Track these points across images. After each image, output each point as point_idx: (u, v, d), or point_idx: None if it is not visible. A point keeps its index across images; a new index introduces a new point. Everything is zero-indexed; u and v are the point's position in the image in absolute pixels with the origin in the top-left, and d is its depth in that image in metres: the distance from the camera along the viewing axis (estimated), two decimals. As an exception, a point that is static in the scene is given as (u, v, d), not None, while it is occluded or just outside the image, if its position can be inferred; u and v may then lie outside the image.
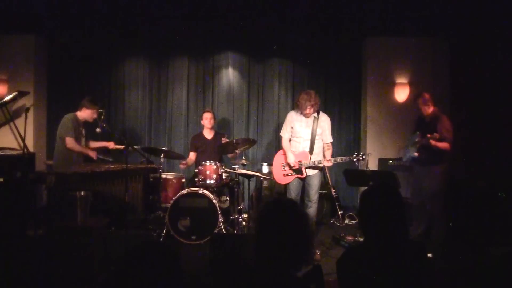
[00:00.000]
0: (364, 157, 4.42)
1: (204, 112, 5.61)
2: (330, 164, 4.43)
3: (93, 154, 5.02)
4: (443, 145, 4.30)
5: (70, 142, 4.86)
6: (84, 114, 5.04)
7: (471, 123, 5.85)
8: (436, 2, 5.22)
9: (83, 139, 5.13)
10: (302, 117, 4.51)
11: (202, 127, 5.63)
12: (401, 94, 6.06)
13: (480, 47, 5.70)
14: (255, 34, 6.30)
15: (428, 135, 4.28)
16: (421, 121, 4.62)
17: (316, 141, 4.49)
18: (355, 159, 4.41)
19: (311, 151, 4.47)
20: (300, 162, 4.44)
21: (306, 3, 5.47)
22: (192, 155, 5.55)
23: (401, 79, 6.13)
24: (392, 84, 6.15)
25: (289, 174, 4.52)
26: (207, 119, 5.48)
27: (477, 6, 5.08)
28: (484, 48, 5.63)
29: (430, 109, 4.53)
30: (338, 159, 4.46)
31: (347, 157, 4.48)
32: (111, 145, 5.31)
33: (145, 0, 5.55)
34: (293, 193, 4.54)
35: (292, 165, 4.45)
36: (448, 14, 5.43)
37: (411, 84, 6.09)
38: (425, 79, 6.09)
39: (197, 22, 5.91)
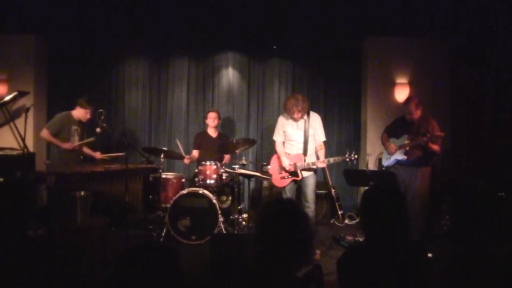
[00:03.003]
0: (356, 156, 4.42)
1: (209, 111, 5.63)
2: (324, 165, 4.44)
3: (65, 145, 5.01)
4: (437, 147, 4.40)
5: (43, 132, 5.04)
6: (78, 113, 5.12)
7: (471, 123, 5.85)
8: (436, 2, 5.22)
9: (77, 138, 5.15)
10: (293, 121, 4.51)
11: (206, 125, 5.64)
12: (401, 94, 6.05)
13: (480, 47, 5.70)
14: (255, 34, 6.29)
15: (428, 135, 4.30)
16: (407, 124, 4.62)
17: (309, 142, 4.49)
18: (347, 159, 4.40)
19: (305, 153, 4.47)
20: (295, 164, 4.44)
21: (306, 3, 5.47)
22: (195, 153, 5.56)
23: (401, 79, 6.13)
24: (392, 84, 6.14)
25: (286, 177, 4.52)
26: (211, 118, 5.50)
27: (477, 6, 5.08)
28: (484, 48, 5.63)
29: (419, 113, 4.57)
30: (331, 160, 4.46)
31: (339, 158, 4.48)
32: (97, 155, 5.34)
33: (145, 0, 5.55)
34: (288, 193, 4.54)
35: (287, 168, 4.45)
36: (448, 14, 5.43)
37: (411, 84, 6.09)
38: (425, 79, 6.09)
39: (197, 22, 5.91)
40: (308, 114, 4.52)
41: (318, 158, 4.53)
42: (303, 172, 4.47)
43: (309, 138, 4.49)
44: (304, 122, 4.49)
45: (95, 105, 5.17)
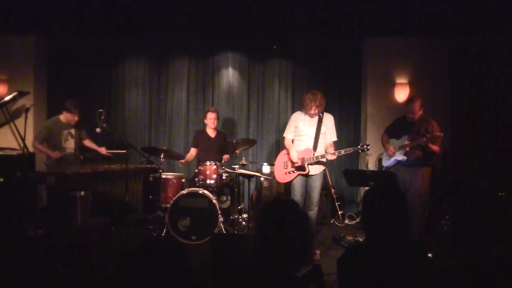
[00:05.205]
0: (368, 147, 4.39)
1: (208, 111, 5.52)
2: (334, 157, 4.35)
3: (54, 154, 4.97)
4: (436, 147, 4.39)
5: (33, 144, 5.06)
6: (65, 117, 5.09)
7: (471, 123, 5.86)
8: (436, 2, 5.22)
9: (72, 141, 5.12)
10: (307, 117, 4.51)
11: (204, 125, 5.61)
12: (401, 94, 6.06)
13: (480, 47, 5.71)
14: (255, 34, 6.29)
15: (428, 135, 4.30)
16: (407, 124, 4.60)
17: (320, 139, 4.48)
18: (359, 150, 4.37)
19: (314, 148, 4.46)
20: (303, 158, 4.42)
21: (306, 3, 5.47)
22: (193, 151, 5.54)
23: (401, 79, 6.13)
24: (392, 84, 6.14)
25: (291, 172, 4.50)
26: (211, 119, 5.44)
27: (477, 6, 5.08)
28: (484, 48, 5.64)
29: (421, 113, 4.56)
30: (342, 151, 4.37)
31: (351, 149, 4.44)
32: (102, 150, 5.28)
33: (145, 0, 5.54)
34: (298, 193, 4.49)
35: (294, 161, 4.44)
36: (448, 14, 5.43)
37: (411, 84, 6.09)
38: (425, 79, 6.09)
39: (197, 22, 5.91)
40: (322, 113, 4.53)
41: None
42: (312, 170, 4.44)
43: (321, 135, 4.48)
44: (318, 119, 4.50)
45: (81, 107, 5.12)
